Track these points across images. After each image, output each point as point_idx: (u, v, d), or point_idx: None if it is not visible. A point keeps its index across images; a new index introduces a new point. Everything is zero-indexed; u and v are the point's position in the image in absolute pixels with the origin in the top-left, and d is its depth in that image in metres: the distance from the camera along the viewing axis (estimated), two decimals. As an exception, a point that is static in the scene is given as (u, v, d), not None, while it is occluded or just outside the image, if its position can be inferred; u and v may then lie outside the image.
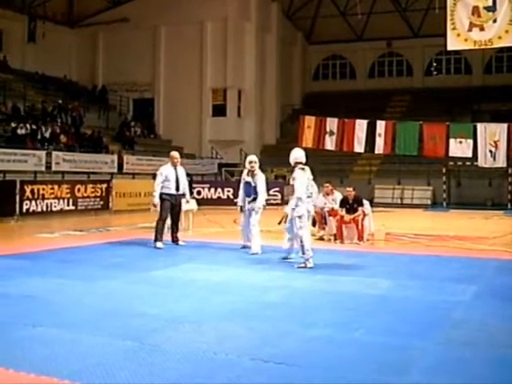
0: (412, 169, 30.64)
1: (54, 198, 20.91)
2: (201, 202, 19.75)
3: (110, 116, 33.98)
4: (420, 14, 38.17)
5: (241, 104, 36.03)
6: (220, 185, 28.66)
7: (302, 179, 10.32)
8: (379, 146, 17.04)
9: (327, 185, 15.28)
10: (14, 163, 21.81)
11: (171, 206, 13.10)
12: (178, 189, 13.09)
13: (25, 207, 19.72)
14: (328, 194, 15.07)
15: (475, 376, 4.85)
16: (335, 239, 14.29)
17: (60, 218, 20.35)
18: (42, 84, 32.62)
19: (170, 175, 13.03)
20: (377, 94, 39.36)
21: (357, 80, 43.01)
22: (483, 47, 14.45)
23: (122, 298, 7.61)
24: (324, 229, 14.90)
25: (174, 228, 13.36)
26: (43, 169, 22.98)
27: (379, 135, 16.96)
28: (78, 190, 22.04)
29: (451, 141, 16.15)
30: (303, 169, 10.46)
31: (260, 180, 11.97)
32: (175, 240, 13.23)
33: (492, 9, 13.52)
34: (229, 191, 27.10)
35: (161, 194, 12.96)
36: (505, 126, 15.85)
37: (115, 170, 26.39)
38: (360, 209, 14.13)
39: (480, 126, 16.23)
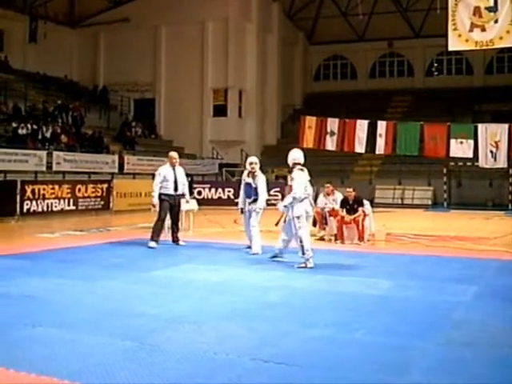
0: (413, 169, 30.65)
1: (54, 198, 20.91)
2: (201, 202, 19.75)
3: (111, 116, 34.00)
4: (421, 14, 38.18)
5: (242, 104, 36.04)
6: (221, 185, 28.65)
7: (301, 180, 10.33)
8: (380, 147, 17.02)
9: (328, 185, 15.29)
10: (15, 163, 21.82)
11: (170, 207, 13.11)
12: (176, 189, 13.08)
13: (25, 207, 19.73)
14: (329, 195, 15.08)
15: (476, 376, 4.84)
16: (336, 239, 14.29)
17: (60, 218, 20.35)
18: (43, 84, 32.65)
19: (168, 175, 13.03)
20: (378, 95, 39.37)
21: (358, 80, 43.02)
22: (484, 48, 14.42)
23: (122, 298, 7.61)
24: (324, 229, 14.90)
25: (174, 228, 13.36)
26: (44, 169, 23.00)
27: (380, 135, 16.94)
28: (79, 190, 22.04)
29: (452, 141, 16.13)
30: (302, 169, 10.47)
31: (261, 181, 11.96)
32: (176, 240, 13.23)
33: (493, 9, 13.50)
34: (229, 191, 27.09)
35: (160, 195, 12.96)
36: (506, 126, 15.83)
37: (116, 170, 26.40)
38: (360, 209, 14.12)
39: (481, 127, 16.21)
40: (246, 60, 35.55)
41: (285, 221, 10.60)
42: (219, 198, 27.55)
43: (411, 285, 8.71)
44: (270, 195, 13.08)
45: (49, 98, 30.38)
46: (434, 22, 30.96)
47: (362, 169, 33.80)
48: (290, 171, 10.58)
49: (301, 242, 10.11)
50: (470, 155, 16.32)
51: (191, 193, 17.98)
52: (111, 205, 23.46)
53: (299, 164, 10.52)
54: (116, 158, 26.87)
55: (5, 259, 10.71)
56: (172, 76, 35.81)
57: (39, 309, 6.93)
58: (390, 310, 7.12)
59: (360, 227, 13.97)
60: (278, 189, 26.11)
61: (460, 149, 16.13)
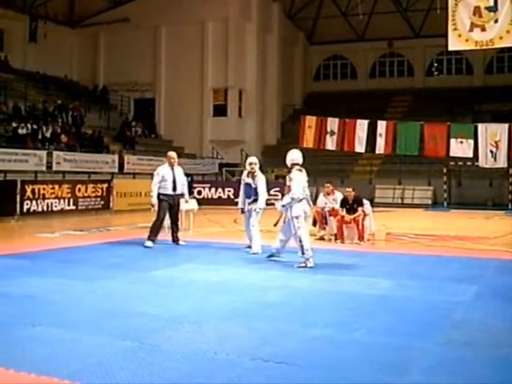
0: (413, 169, 30.66)
1: (54, 198, 20.91)
2: (201, 202, 19.75)
3: (111, 116, 34.01)
4: (421, 14, 38.20)
5: (242, 104, 36.06)
6: (221, 185, 28.67)
7: (299, 180, 10.34)
8: (380, 146, 17.02)
9: (328, 185, 15.29)
10: (15, 163, 21.82)
11: (169, 207, 13.10)
12: (175, 189, 13.06)
13: (25, 207, 19.73)
14: (329, 194, 15.08)
15: (476, 376, 4.84)
16: (336, 239, 14.29)
17: (60, 217, 20.36)
18: (43, 84, 32.65)
19: (166, 175, 13.02)
20: (378, 94, 39.38)
21: (358, 80, 43.04)
22: (484, 47, 14.41)
23: (122, 298, 7.60)
24: (324, 229, 14.90)
25: (174, 228, 13.35)
26: (44, 169, 23.00)
27: (380, 135, 16.94)
28: (79, 189, 22.05)
29: (452, 141, 16.13)
30: (300, 170, 10.48)
31: (260, 181, 11.95)
32: (176, 240, 13.23)
33: (493, 9, 13.49)
34: (229, 191, 27.10)
35: (158, 195, 12.95)
36: (506, 126, 15.83)
37: (116, 170, 26.40)
38: (360, 209, 14.13)
39: (481, 127, 16.21)
40: (246, 60, 35.56)
41: (284, 221, 10.60)
42: (219, 197, 27.56)
43: (411, 284, 8.71)
44: (269, 195, 13.06)
45: (49, 97, 30.39)
46: (434, 21, 30.98)
47: (362, 168, 33.81)
48: (289, 172, 10.60)
49: (300, 241, 10.11)
50: (470, 155, 16.32)
51: (191, 192, 17.96)
52: (111, 204, 23.47)
53: (297, 164, 10.53)
54: (116, 157, 26.88)
55: (5, 259, 10.71)
56: (172, 76, 35.82)
57: (39, 309, 6.93)
58: (390, 310, 7.12)
59: (360, 227, 13.98)
60: (277, 188, 26.09)
61: (460, 148, 16.12)
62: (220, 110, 35.63)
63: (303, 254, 10.08)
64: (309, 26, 42.25)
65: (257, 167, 12.11)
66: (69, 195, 21.53)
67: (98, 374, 4.72)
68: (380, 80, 42.49)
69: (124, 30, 36.00)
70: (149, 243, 12.68)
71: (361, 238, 13.94)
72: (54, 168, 23.47)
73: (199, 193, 27.08)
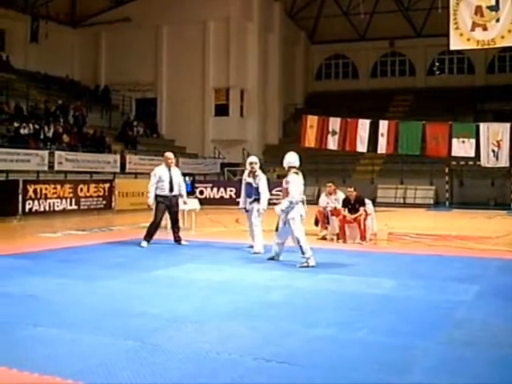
0: (415, 168, 30.62)
1: (56, 198, 20.93)
2: (203, 202, 19.74)
3: (113, 116, 34.02)
4: (423, 13, 38.15)
5: (243, 104, 36.03)
6: (222, 184, 28.66)
7: (297, 183, 10.39)
8: (382, 146, 17.02)
9: (330, 184, 15.30)
10: (17, 163, 21.84)
11: (167, 208, 13.09)
12: (171, 190, 13.04)
13: (27, 207, 19.74)
14: (331, 194, 15.09)
15: (477, 376, 4.84)
16: (338, 239, 14.29)
17: (62, 217, 20.37)
18: (44, 84, 32.65)
19: (163, 176, 13.00)
20: (379, 94, 39.36)
21: (359, 80, 43.01)
22: (486, 47, 14.42)
23: (124, 298, 7.61)
24: (326, 228, 14.91)
25: (175, 228, 13.34)
26: (46, 168, 23.02)
27: (382, 135, 16.93)
28: (81, 189, 22.06)
29: (454, 140, 16.13)
30: (297, 173, 10.53)
31: (262, 181, 11.96)
32: (178, 240, 13.23)
33: (495, 8, 13.49)
34: (231, 191, 27.10)
35: (156, 196, 12.95)
36: (507, 125, 15.82)
37: (118, 170, 26.41)
38: (362, 209, 14.13)
39: (483, 126, 16.19)
40: (248, 59, 35.54)
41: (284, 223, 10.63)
42: (221, 197, 27.55)
43: (413, 284, 8.71)
44: (271, 195, 13.06)
45: (50, 97, 30.38)
46: (436, 21, 30.91)
47: (363, 168, 33.79)
48: (286, 174, 10.65)
49: (298, 242, 10.18)
50: (472, 154, 16.31)
51: (193, 192, 17.95)
52: (113, 204, 23.49)
53: (294, 167, 10.59)
54: (118, 157, 26.89)
55: (7, 259, 10.73)
56: (173, 75, 35.81)
57: (41, 308, 6.94)
58: (392, 310, 7.12)
59: (362, 227, 13.98)
60: (279, 188, 26.11)
61: (462, 148, 16.12)
62: (222, 110, 35.61)
63: (303, 253, 10.12)
64: (310, 25, 42.24)
65: (257, 167, 12.12)
66: (71, 195, 21.54)
67: (100, 373, 4.73)
68: (381, 79, 42.47)
69: (125, 30, 35.99)
70: (144, 243, 12.72)
71: (363, 237, 13.93)
72: (56, 168, 23.49)
73: (201, 192, 27.07)
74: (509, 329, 6.33)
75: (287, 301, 7.59)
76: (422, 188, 31.31)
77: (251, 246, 12.08)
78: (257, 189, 11.91)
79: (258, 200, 11.92)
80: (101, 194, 22.96)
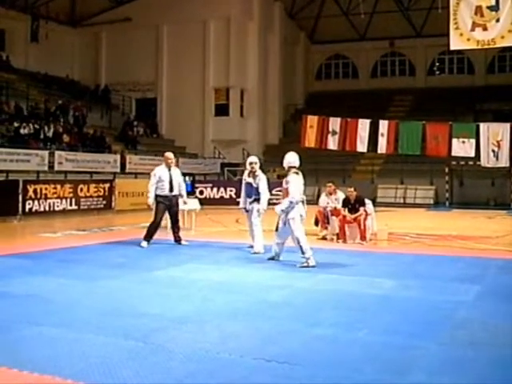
0: (415, 168, 30.61)
1: (56, 198, 20.92)
2: (203, 202, 19.73)
3: (113, 116, 34.02)
4: (423, 13, 38.18)
5: (243, 104, 36.03)
6: (222, 184, 28.65)
7: (297, 183, 10.41)
8: (382, 146, 17.00)
9: (330, 184, 15.31)
10: (17, 163, 21.83)
11: (167, 208, 13.09)
12: (171, 190, 13.04)
13: (27, 207, 19.74)
14: (331, 194, 15.10)
15: (478, 376, 4.84)
16: (338, 239, 14.29)
17: (63, 217, 20.37)
18: (44, 84, 32.65)
19: (163, 176, 13.00)
20: (379, 94, 39.37)
21: (359, 79, 43.03)
22: (486, 47, 14.40)
23: (125, 298, 7.61)
24: (327, 228, 14.91)
25: (175, 228, 13.33)
26: (46, 168, 23.01)
27: (382, 135, 16.92)
28: (81, 189, 22.06)
29: (454, 140, 16.12)
30: (297, 173, 10.55)
31: (261, 181, 11.97)
32: (178, 240, 13.23)
33: (495, 8, 13.48)
34: (231, 191, 27.10)
35: (156, 196, 12.95)
36: (507, 125, 15.80)
37: (118, 170, 26.41)
38: (362, 209, 14.13)
39: (483, 126, 16.18)
40: (248, 59, 35.55)
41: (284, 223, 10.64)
42: (221, 197, 27.54)
43: (413, 284, 8.71)
44: (271, 195, 13.07)
45: (50, 97, 30.37)
46: (436, 21, 30.99)
47: (363, 168, 33.79)
48: (286, 174, 10.66)
49: (299, 242, 10.20)
50: (472, 154, 16.30)
51: (193, 192, 17.94)
52: (113, 204, 23.49)
53: (294, 167, 10.62)
54: (118, 157, 26.89)
55: (7, 259, 10.74)
56: (174, 75, 35.82)
57: (41, 308, 6.94)
58: (393, 310, 7.13)
59: (362, 227, 13.98)
60: (279, 188, 26.12)
61: (462, 148, 16.11)
62: (222, 110, 35.61)
63: (303, 253, 10.14)
64: (310, 25, 42.26)
65: (257, 166, 12.14)
66: (71, 195, 21.54)
67: (101, 373, 4.74)
68: (382, 79, 42.49)
69: (126, 30, 36.01)
70: (144, 243, 12.74)
71: (363, 237, 13.94)
72: (56, 168, 23.49)
73: (201, 192, 27.05)
74: (509, 329, 6.33)
75: (287, 301, 7.59)
76: (422, 188, 31.32)
77: (251, 246, 12.08)
78: (257, 189, 11.92)
79: (258, 200, 11.93)
80: (101, 194, 22.96)
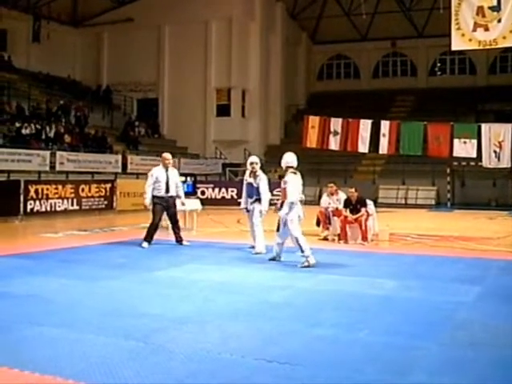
0: (416, 169, 30.59)
1: (58, 198, 20.92)
2: (205, 202, 19.72)
3: (115, 116, 34.03)
4: (424, 13, 38.12)
5: (245, 104, 36.02)
6: (224, 185, 28.64)
7: (294, 183, 10.45)
8: (383, 146, 17.00)
9: (331, 185, 15.30)
10: (19, 163, 21.84)
11: (165, 208, 13.08)
12: (168, 190, 13.02)
13: (29, 207, 19.74)
14: (332, 194, 15.09)
15: (479, 376, 4.85)
16: (339, 239, 14.28)
17: (64, 217, 20.38)
18: (46, 84, 32.65)
19: (160, 176, 12.99)
20: (381, 94, 39.35)
21: (361, 80, 43.01)
22: (488, 47, 14.39)
23: (126, 298, 7.61)
24: (328, 229, 14.91)
25: (175, 229, 13.31)
26: (47, 169, 23.02)
27: (383, 135, 16.92)
28: (82, 189, 22.06)
29: (455, 141, 16.11)
30: (295, 173, 10.59)
31: (262, 181, 11.98)
32: (179, 240, 13.22)
33: (497, 9, 13.47)
34: (233, 191, 27.10)
35: (153, 197, 12.94)
36: (509, 126, 15.79)
37: (119, 170, 26.42)
38: (363, 209, 14.13)
39: (484, 127, 16.17)
40: (250, 60, 35.54)
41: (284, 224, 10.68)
42: (222, 197, 27.54)
43: (415, 285, 8.71)
44: (272, 195, 13.07)
45: (52, 97, 30.38)
46: (437, 21, 30.93)
47: (365, 168, 33.78)
48: (283, 175, 10.70)
49: (297, 241, 10.27)
50: (474, 155, 16.29)
51: (194, 192, 17.94)
52: (115, 205, 23.49)
53: (292, 167, 10.66)
54: (119, 157, 26.90)
55: (8, 259, 10.75)
56: (175, 76, 35.82)
57: (42, 308, 6.95)
58: (394, 310, 7.13)
59: (363, 227, 13.98)
60: (280, 188, 26.10)
61: (463, 149, 16.10)
62: (223, 110, 35.61)
63: (303, 252, 10.17)
64: (312, 25, 42.25)
65: (258, 167, 12.15)
66: (72, 195, 21.54)
67: (101, 373, 4.74)
68: (383, 80, 42.47)
69: (127, 30, 36.02)
70: (145, 244, 12.75)
71: (364, 238, 13.93)
72: (58, 168, 23.49)
73: (202, 193, 27.03)
74: (509, 330, 6.33)
75: (288, 301, 7.59)
76: (424, 188, 31.32)
77: (252, 247, 12.09)
78: (257, 189, 11.94)
79: (259, 200, 11.94)
80: (102, 194, 22.96)
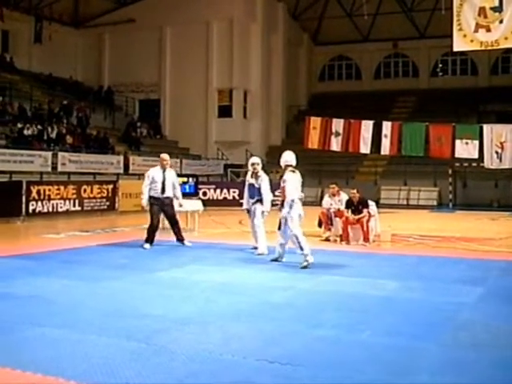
0: (418, 170, 30.57)
1: (60, 199, 20.94)
2: (206, 203, 19.74)
3: (116, 117, 34.07)
4: (426, 14, 38.10)
5: (247, 105, 36.04)
6: (226, 186, 28.61)
7: (293, 181, 10.48)
8: (385, 147, 17.01)
9: (333, 186, 15.29)
10: (21, 164, 21.88)
11: (162, 210, 13.06)
12: (163, 191, 13.00)
13: (31, 208, 19.77)
14: (334, 195, 15.08)
15: (480, 377, 4.85)
16: (341, 240, 14.28)
17: (66, 218, 20.40)
18: (48, 85, 32.72)
19: (156, 177, 12.98)
20: (382, 95, 39.30)
21: (363, 81, 42.96)
22: (489, 48, 14.41)
23: (128, 299, 7.62)
24: (330, 230, 14.91)
25: (175, 229, 13.28)
26: (49, 169, 23.06)
27: (385, 136, 16.93)
28: (84, 190, 22.07)
29: (457, 142, 16.12)
30: (294, 171, 10.62)
31: (263, 182, 11.99)
32: (181, 239, 13.16)
33: (498, 9, 13.48)
34: (234, 192, 27.09)
35: (150, 198, 12.94)
36: (511, 126, 15.81)
37: (121, 171, 26.45)
38: (365, 210, 14.12)
39: (486, 127, 16.19)
40: (251, 60, 35.55)
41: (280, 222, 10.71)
42: (224, 198, 27.52)
43: (416, 286, 8.71)
44: (274, 196, 13.07)
45: (54, 98, 30.42)
46: (439, 22, 30.98)
47: (367, 169, 33.76)
48: (282, 173, 10.72)
49: (297, 239, 10.27)
50: (476, 156, 16.30)
51: (196, 193, 17.93)
52: (117, 205, 23.50)
53: (291, 166, 10.68)
54: (121, 158, 26.92)
55: (10, 259, 10.75)
56: (177, 76, 35.84)
57: (44, 309, 6.96)
58: (395, 311, 7.13)
59: (365, 228, 13.97)
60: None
61: (465, 149, 16.11)
62: (225, 111, 35.62)
63: (302, 249, 10.17)
64: (313, 26, 42.21)
65: (259, 167, 12.17)
66: (74, 196, 21.56)
67: (103, 373, 4.74)
68: (385, 81, 42.41)
69: (129, 31, 36.04)
70: (146, 245, 12.75)
71: (366, 239, 13.93)
72: (60, 169, 23.53)
73: (204, 194, 27.01)
74: (511, 331, 6.33)
75: (290, 302, 7.59)
76: (426, 189, 31.30)
77: (254, 248, 12.08)
78: (259, 189, 11.94)
79: (260, 201, 11.94)
80: (104, 195, 22.97)
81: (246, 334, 6.04)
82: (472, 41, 13.86)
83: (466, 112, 34.72)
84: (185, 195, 16.26)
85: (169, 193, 13.06)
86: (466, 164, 27.40)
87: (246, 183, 12.34)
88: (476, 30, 13.66)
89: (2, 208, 18.37)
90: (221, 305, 7.30)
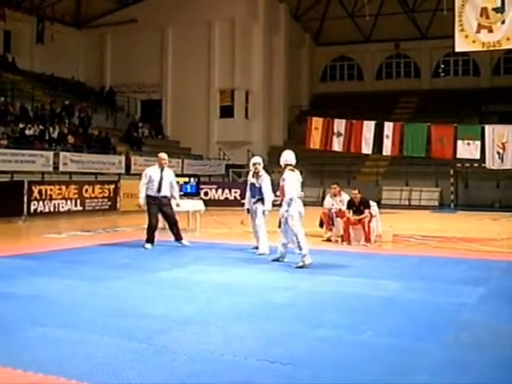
0: (420, 170, 30.58)
1: (61, 199, 20.96)
2: (208, 203, 19.76)
3: (118, 117, 34.10)
4: (428, 15, 38.09)
5: (248, 105, 36.07)
6: (227, 186, 28.64)
7: (292, 180, 10.52)
8: (387, 148, 17.02)
9: (335, 186, 15.28)
10: (22, 164, 21.91)
11: (159, 209, 13.05)
12: (159, 190, 12.96)
13: (32, 207, 19.78)
14: (335, 195, 15.08)
15: (481, 377, 4.84)
16: (342, 241, 14.27)
17: (67, 218, 20.41)
18: (50, 85, 32.76)
19: (154, 176, 12.97)
20: (384, 96, 39.30)
21: (364, 81, 42.95)
22: (491, 49, 14.38)
23: (129, 299, 7.62)
24: (331, 230, 14.90)
25: (174, 229, 13.23)
26: (51, 169, 23.09)
27: (387, 136, 16.94)
28: (86, 190, 22.09)
29: (459, 142, 16.12)
30: (293, 170, 10.67)
31: (265, 181, 11.99)
32: (178, 238, 13.11)
33: (500, 10, 13.47)
34: (236, 192, 27.10)
35: (147, 196, 12.93)
36: (513, 127, 15.82)
37: (123, 171, 26.46)
38: (366, 211, 14.11)
39: (488, 128, 16.18)
40: (253, 61, 35.58)
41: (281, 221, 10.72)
42: (226, 198, 27.54)
43: (418, 286, 8.70)
44: (275, 196, 13.07)
45: (56, 98, 30.46)
46: (441, 22, 30.96)
47: (368, 170, 33.75)
48: (282, 172, 10.75)
49: (296, 237, 10.25)
50: (477, 156, 16.30)
51: (198, 193, 17.95)
52: (118, 205, 23.51)
53: (290, 165, 10.72)
54: (123, 158, 26.94)
55: (12, 259, 10.75)
56: (179, 77, 35.86)
57: (46, 309, 6.95)
58: (397, 312, 7.12)
59: (366, 228, 13.96)
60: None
61: (467, 150, 16.11)
62: (227, 111, 35.64)
63: (300, 249, 10.15)
64: (315, 27, 42.20)
65: (261, 167, 12.17)
66: (76, 196, 21.58)
67: (105, 373, 4.74)
68: (387, 81, 42.39)
69: (131, 31, 36.08)
70: (148, 245, 12.74)
71: (367, 239, 13.92)
72: (61, 169, 23.55)
73: (206, 194, 27.03)
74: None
75: (291, 302, 7.59)
76: (427, 190, 31.30)
77: (256, 248, 12.08)
78: (260, 189, 11.94)
79: (261, 200, 11.94)
80: (106, 195, 22.98)
81: (248, 334, 6.03)
82: (474, 41, 13.84)
83: (468, 113, 34.71)
84: (186, 195, 16.29)
85: (165, 192, 13.03)
86: (467, 164, 27.36)
87: (248, 183, 12.35)
88: (478, 31, 13.65)
89: (3, 208, 18.38)
90: (222, 305, 7.30)
